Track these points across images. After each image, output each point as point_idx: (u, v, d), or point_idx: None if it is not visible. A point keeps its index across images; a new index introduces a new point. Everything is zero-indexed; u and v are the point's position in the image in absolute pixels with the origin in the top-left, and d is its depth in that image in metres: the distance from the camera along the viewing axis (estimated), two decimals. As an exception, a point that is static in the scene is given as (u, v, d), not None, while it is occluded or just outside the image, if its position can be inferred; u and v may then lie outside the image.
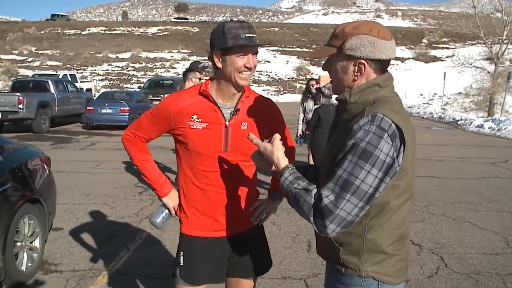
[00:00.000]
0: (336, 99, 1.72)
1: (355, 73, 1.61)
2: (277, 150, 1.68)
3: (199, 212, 2.14)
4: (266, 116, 2.17)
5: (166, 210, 2.23)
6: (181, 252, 2.17)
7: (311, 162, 6.71)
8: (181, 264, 2.16)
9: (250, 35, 1.95)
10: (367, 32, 1.57)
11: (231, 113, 2.08)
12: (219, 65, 1.99)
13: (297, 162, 1.99)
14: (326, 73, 1.71)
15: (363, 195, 1.47)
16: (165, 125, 2.10)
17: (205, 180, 2.09)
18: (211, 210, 2.13)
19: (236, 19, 2.05)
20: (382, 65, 1.62)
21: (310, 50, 52.56)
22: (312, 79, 8.42)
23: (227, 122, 2.06)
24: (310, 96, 7.82)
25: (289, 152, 2.34)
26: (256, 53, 2.02)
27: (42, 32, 63.41)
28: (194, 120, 2.04)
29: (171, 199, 2.21)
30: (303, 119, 7.94)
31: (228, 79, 2.01)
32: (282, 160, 1.67)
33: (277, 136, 1.72)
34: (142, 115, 2.21)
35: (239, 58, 1.95)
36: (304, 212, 1.54)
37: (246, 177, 2.16)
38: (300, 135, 7.90)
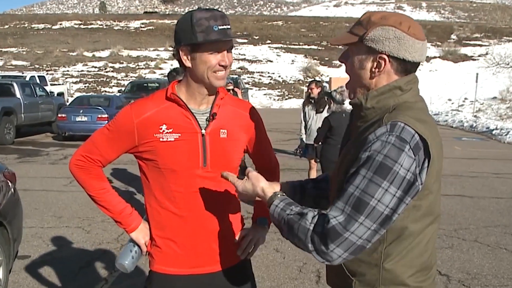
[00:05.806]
0: (350, 103, 1.71)
1: (373, 69, 1.60)
2: (257, 182, 1.70)
3: (176, 245, 2.06)
4: (246, 121, 2.14)
5: (136, 248, 2.14)
6: None
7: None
8: None
9: (224, 26, 1.89)
10: (396, 25, 1.56)
11: (206, 119, 2.03)
12: (188, 64, 1.95)
13: (289, 183, 1.96)
14: (337, 75, 1.74)
15: (378, 217, 1.45)
16: (127, 142, 2.02)
17: (183, 204, 2.02)
18: (192, 241, 2.05)
19: (206, 7, 2.02)
20: (406, 67, 1.61)
21: (319, 48, 52.71)
22: (314, 81, 8.29)
23: (203, 130, 2.01)
24: (312, 101, 7.84)
25: (272, 168, 2.32)
26: (231, 48, 1.97)
27: (6, 26, 63.73)
28: (164, 131, 1.98)
29: (142, 233, 2.12)
30: (304, 127, 8.00)
31: (200, 80, 1.97)
32: (268, 189, 1.68)
33: (249, 169, 1.76)
34: (95, 133, 2.11)
35: (212, 55, 1.91)
36: (301, 240, 1.53)
37: (230, 197, 2.09)
38: (300, 147, 8.00)
